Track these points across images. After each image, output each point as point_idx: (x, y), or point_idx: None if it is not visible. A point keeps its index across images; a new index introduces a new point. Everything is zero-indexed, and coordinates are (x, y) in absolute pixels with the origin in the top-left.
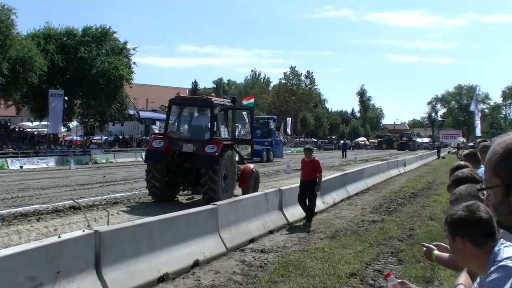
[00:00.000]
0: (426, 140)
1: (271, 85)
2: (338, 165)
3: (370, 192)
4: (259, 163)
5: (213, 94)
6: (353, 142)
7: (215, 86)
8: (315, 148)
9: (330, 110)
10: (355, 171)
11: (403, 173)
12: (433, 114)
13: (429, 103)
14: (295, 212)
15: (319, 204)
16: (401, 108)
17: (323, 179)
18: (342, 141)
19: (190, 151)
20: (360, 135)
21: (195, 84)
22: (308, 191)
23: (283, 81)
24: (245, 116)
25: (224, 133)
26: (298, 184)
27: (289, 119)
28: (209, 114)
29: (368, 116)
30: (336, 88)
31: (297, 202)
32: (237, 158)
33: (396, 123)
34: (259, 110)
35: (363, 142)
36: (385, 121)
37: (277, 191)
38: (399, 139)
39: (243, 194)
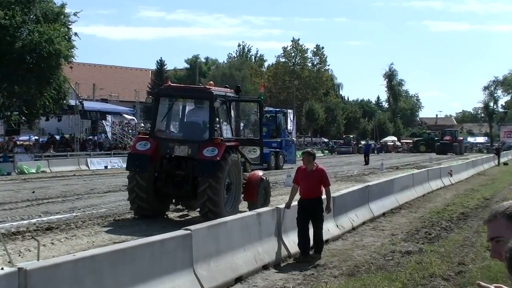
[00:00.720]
0: (481, 139)
1: (266, 64)
2: (358, 174)
3: (402, 212)
4: (266, 170)
5: (211, 82)
6: (379, 142)
7: (188, 66)
8: (326, 152)
9: (347, 99)
10: (382, 183)
11: (448, 185)
12: (491, 104)
13: (485, 88)
14: (296, 239)
15: (332, 228)
16: (445, 95)
17: (336, 193)
18: (363, 142)
19: (184, 155)
20: (388, 133)
21: (160, 63)
22: (312, 213)
23: (282, 60)
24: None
25: (226, 131)
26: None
27: (290, 112)
28: (208, 108)
29: (399, 107)
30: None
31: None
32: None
33: (438, 116)
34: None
35: (392, 143)
36: (423, 113)
37: (273, 210)
38: (438, 138)
39: (249, 208)
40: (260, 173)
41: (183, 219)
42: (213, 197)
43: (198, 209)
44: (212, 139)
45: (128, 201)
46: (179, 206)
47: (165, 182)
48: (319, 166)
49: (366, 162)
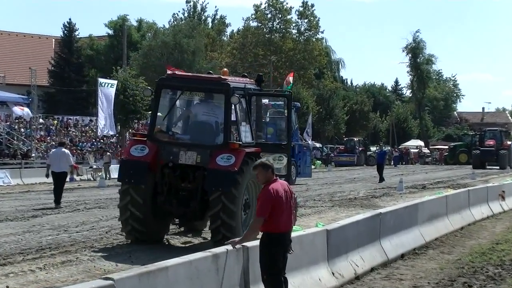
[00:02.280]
0: None
1: (229, 31)
2: (365, 196)
3: (430, 253)
4: None
5: (224, 69)
6: (397, 149)
7: (111, 32)
8: (318, 163)
9: (349, 83)
10: (400, 210)
11: (499, 213)
12: None
13: None
14: None
15: (325, 277)
16: (497, 79)
17: (332, 224)
18: (375, 148)
19: (191, 163)
20: (411, 135)
21: (69, 28)
22: (287, 251)
23: (253, 24)
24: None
25: (245, 134)
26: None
27: (264, 102)
28: (224, 104)
29: (427, 96)
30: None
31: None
32: None
33: (486, 110)
34: None
35: (417, 150)
36: (464, 106)
37: (237, 250)
38: (474, 141)
39: None
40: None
41: (188, 245)
42: (228, 221)
43: (210, 232)
44: (227, 143)
45: (120, 222)
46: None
47: (166, 198)
48: (270, 185)
49: (381, 177)
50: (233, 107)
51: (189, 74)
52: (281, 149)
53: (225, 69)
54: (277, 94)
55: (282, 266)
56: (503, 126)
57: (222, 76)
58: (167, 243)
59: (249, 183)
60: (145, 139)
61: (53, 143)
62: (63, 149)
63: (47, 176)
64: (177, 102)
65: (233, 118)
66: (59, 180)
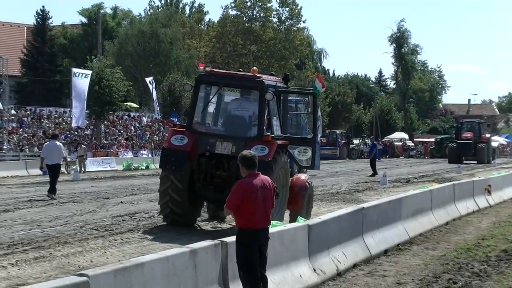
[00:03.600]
0: None
1: (207, 19)
2: (347, 190)
3: (414, 249)
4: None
5: (254, 68)
6: (381, 142)
7: (85, 20)
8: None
9: (332, 74)
10: (383, 205)
11: (485, 208)
12: None
13: None
14: None
15: (306, 274)
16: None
17: (314, 220)
18: (369, 140)
19: (227, 153)
20: (395, 127)
21: (42, 16)
22: (266, 249)
23: (233, 12)
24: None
25: (276, 128)
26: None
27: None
28: (257, 100)
29: (412, 87)
30: (346, 29)
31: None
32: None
33: (472, 102)
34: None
35: (401, 143)
36: (449, 98)
37: (216, 246)
38: (452, 134)
39: (291, 219)
40: (304, 177)
41: (216, 228)
42: None
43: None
44: (261, 135)
45: (160, 206)
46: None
47: (203, 184)
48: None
49: (374, 171)
50: (266, 102)
51: (226, 71)
52: (307, 142)
53: (255, 67)
54: (304, 92)
55: (258, 263)
56: (490, 119)
57: (256, 74)
58: (198, 228)
59: (280, 172)
60: (184, 129)
61: (25, 135)
62: (56, 142)
63: (41, 168)
64: (214, 97)
65: (265, 112)
66: (53, 172)
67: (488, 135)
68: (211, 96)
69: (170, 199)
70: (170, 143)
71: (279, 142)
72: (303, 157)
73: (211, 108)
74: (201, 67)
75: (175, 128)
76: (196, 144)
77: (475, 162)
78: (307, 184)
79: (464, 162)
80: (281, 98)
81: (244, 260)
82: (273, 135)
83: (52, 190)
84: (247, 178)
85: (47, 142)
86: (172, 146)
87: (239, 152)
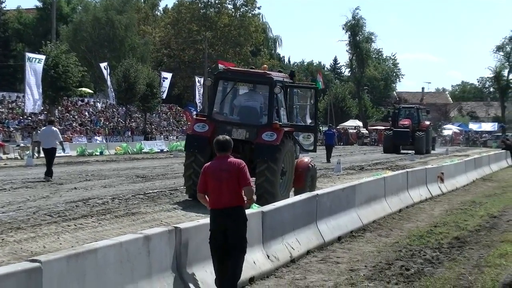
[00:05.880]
0: (488, 127)
1: (162, 6)
2: None
3: (367, 236)
4: None
5: (265, 65)
6: (334, 129)
7: (40, 5)
8: None
9: (287, 61)
10: (337, 192)
11: (437, 195)
12: (506, 73)
13: (498, 48)
14: (209, 277)
15: (260, 260)
16: (438, 59)
17: (268, 206)
18: (326, 129)
19: (241, 138)
20: (349, 115)
21: None
22: (233, 231)
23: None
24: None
25: (283, 117)
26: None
27: (199, 80)
28: (267, 93)
29: (367, 75)
30: (301, 16)
31: (209, 255)
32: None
33: (425, 90)
34: (141, 61)
35: (355, 130)
36: (403, 86)
37: (169, 232)
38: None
39: (296, 194)
40: (307, 159)
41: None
42: (271, 178)
43: None
44: (270, 123)
45: (184, 186)
46: None
47: None
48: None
49: (328, 158)
50: (275, 95)
51: (241, 69)
52: (310, 129)
53: (265, 65)
54: (307, 86)
55: (220, 244)
56: (443, 107)
57: (266, 71)
58: None
59: (286, 155)
60: (205, 118)
61: None
62: (52, 127)
63: (38, 152)
64: (230, 91)
65: (274, 104)
66: (50, 155)
67: (427, 123)
68: (228, 90)
69: (193, 172)
70: (194, 130)
71: (286, 129)
72: (306, 141)
73: (228, 100)
74: (220, 66)
75: (198, 118)
76: (215, 130)
77: (413, 152)
78: (309, 165)
79: (401, 151)
80: (287, 91)
81: (210, 239)
82: (280, 123)
83: (48, 173)
84: (213, 160)
85: (44, 128)
86: (195, 133)
87: (252, 137)
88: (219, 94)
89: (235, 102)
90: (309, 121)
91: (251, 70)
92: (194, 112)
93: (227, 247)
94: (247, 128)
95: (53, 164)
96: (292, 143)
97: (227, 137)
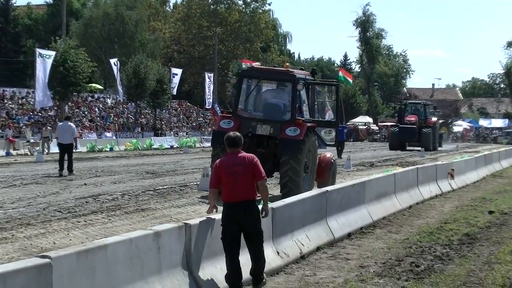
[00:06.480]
0: (498, 123)
1: (172, 2)
2: None
3: (377, 232)
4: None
5: (287, 64)
6: (344, 125)
7: (50, 0)
8: None
9: (297, 57)
10: (347, 188)
11: (448, 192)
12: None
13: (509, 44)
14: (218, 273)
15: (270, 256)
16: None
17: (278, 203)
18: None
19: (266, 134)
20: (359, 111)
21: None
22: (248, 224)
23: None
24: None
25: (305, 113)
26: (221, 215)
27: (209, 76)
28: (290, 91)
29: (377, 71)
30: (311, 12)
31: (219, 251)
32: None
33: (436, 86)
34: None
35: (365, 127)
36: (413, 82)
37: (179, 228)
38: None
39: (319, 187)
40: (329, 155)
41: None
42: (295, 177)
43: (279, 187)
44: (294, 119)
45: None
46: None
47: None
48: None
49: (339, 154)
50: (297, 92)
51: (264, 67)
52: (331, 125)
53: (287, 63)
54: (328, 83)
55: (236, 239)
56: (453, 103)
57: (289, 69)
58: None
59: (309, 150)
60: (230, 115)
61: None
62: (69, 123)
63: (48, 148)
64: (254, 88)
65: (297, 100)
66: (67, 150)
67: (434, 119)
68: (252, 88)
69: None
70: (220, 126)
71: (308, 124)
72: (328, 136)
73: (252, 97)
74: (244, 64)
75: (224, 115)
76: (241, 126)
77: (419, 148)
78: (332, 160)
79: (407, 149)
80: (309, 88)
81: (222, 230)
82: (303, 119)
83: (69, 168)
84: (224, 156)
85: (61, 123)
86: (221, 129)
87: (276, 133)
88: (244, 91)
89: (259, 99)
90: (327, 116)
91: (274, 68)
92: (218, 109)
93: (239, 240)
94: (271, 124)
95: (72, 158)
96: (314, 138)
97: (238, 133)
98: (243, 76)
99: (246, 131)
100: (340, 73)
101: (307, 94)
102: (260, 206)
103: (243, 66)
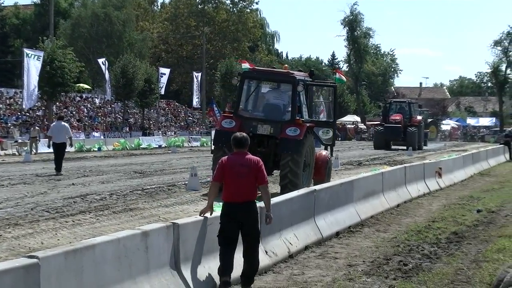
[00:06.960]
0: (486, 121)
1: (160, 2)
2: None
3: (365, 231)
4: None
5: (285, 65)
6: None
7: (37, 0)
8: None
9: (285, 56)
10: (335, 187)
11: (436, 190)
12: (504, 68)
13: (495, 43)
14: (207, 273)
15: (260, 255)
16: (436, 54)
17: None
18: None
19: (266, 134)
20: (347, 110)
21: None
22: (248, 224)
23: None
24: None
25: (304, 113)
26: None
27: (197, 76)
28: (290, 91)
29: (365, 70)
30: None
31: (212, 250)
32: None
33: (423, 85)
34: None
35: (353, 126)
36: (401, 81)
37: (167, 228)
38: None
39: (315, 185)
40: (325, 153)
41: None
42: (294, 176)
43: (279, 185)
44: (294, 119)
45: (212, 170)
46: None
47: None
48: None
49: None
50: (297, 93)
51: (265, 69)
52: (329, 125)
53: (286, 65)
54: (326, 84)
55: (233, 239)
56: (441, 102)
57: (289, 71)
58: None
59: (308, 149)
60: (232, 115)
61: None
62: (63, 123)
63: (48, 146)
64: (255, 89)
65: (297, 101)
66: (60, 150)
67: (419, 118)
68: (252, 89)
69: None
70: (221, 125)
71: (307, 124)
72: (325, 136)
73: (253, 98)
74: (244, 65)
75: (225, 114)
76: (242, 126)
77: (405, 148)
78: (328, 158)
79: (392, 148)
80: (308, 89)
81: (219, 229)
82: (302, 119)
83: (58, 169)
84: (231, 155)
85: (55, 123)
86: (222, 128)
87: (277, 133)
88: (244, 92)
89: (260, 100)
90: (321, 116)
91: (274, 69)
92: (216, 108)
93: (237, 239)
94: (271, 124)
95: (63, 159)
96: (312, 138)
97: (244, 134)
98: (245, 77)
99: (247, 130)
100: (337, 75)
101: (306, 95)
102: (258, 204)
103: (243, 67)
